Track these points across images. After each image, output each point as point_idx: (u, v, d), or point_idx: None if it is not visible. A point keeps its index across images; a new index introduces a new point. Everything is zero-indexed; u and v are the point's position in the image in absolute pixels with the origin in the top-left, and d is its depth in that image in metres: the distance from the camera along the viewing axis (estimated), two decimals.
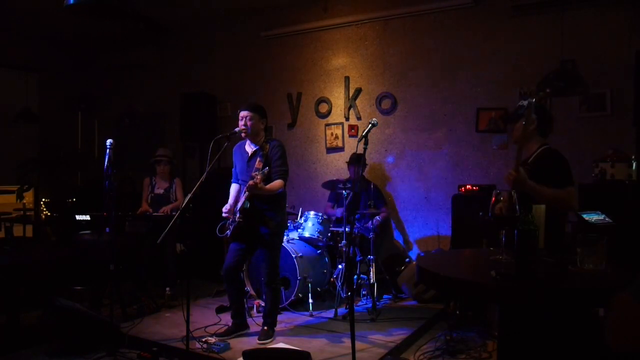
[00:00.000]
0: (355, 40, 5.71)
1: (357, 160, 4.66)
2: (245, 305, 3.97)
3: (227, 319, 3.99)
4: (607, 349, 1.13)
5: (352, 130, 5.71)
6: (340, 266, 4.57)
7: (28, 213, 6.49)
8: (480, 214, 2.32)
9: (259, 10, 6.09)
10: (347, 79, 5.74)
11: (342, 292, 4.40)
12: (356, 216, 4.79)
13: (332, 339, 3.69)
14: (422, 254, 5.26)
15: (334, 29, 5.80)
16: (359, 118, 5.69)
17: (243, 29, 6.35)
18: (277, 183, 3.57)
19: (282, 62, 6.12)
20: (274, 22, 6.09)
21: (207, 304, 4.60)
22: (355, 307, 4.32)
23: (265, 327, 3.69)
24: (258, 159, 3.60)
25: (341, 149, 5.81)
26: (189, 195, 3.31)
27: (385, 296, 4.89)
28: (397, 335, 3.75)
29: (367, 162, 5.44)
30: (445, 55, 5.21)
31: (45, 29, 6.68)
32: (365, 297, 4.68)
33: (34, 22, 6.42)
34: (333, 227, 4.88)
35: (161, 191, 5.22)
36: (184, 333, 3.23)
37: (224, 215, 3.67)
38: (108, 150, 3.53)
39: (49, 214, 6.48)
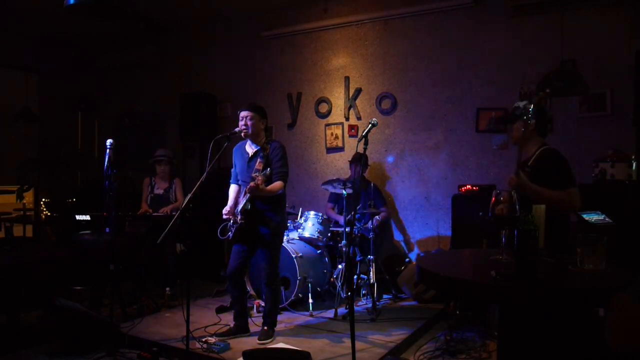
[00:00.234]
0: (355, 40, 5.71)
1: (359, 159, 4.66)
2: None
3: (227, 319, 4.00)
4: (607, 349, 1.13)
5: (352, 130, 5.71)
6: (340, 266, 4.57)
7: (28, 213, 6.50)
8: (480, 214, 2.33)
9: (259, 10, 6.09)
10: (347, 79, 5.74)
11: (342, 292, 4.40)
12: (356, 216, 4.79)
13: (332, 339, 3.69)
14: (422, 254, 5.27)
15: (334, 29, 5.80)
16: (359, 118, 5.69)
17: (243, 29, 6.35)
18: (278, 184, 3.58)
19: (282, 62, 6.12)
20: (274, 22, 6.09)
21: (207, 304, 4.60)
22: (355, 307, 4.32)
23: (265, 327, 3.70)
24: (259, 160, 3.60)
25: (341, 149, 5.81)
26: (189, 196, 3.31)
27: (385, 296, 4.89)
28: (397, 335, 3.75)
29: (368, 162, 5.43)
30: (445, 55, 5.21)
31: (45, 29, 6.67)
32: (365, 297, 4.68)
33: (34, 22, 6.42)
34: (333, 227, 4.87)
35: (161, 191, 5.22)
36: (184, 333, 3.22)
37: (224, 217, 3.68)
38: (108, 150, 3.53)
39: (49, 214, 6.49)
